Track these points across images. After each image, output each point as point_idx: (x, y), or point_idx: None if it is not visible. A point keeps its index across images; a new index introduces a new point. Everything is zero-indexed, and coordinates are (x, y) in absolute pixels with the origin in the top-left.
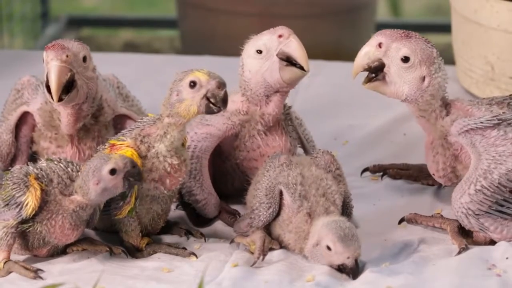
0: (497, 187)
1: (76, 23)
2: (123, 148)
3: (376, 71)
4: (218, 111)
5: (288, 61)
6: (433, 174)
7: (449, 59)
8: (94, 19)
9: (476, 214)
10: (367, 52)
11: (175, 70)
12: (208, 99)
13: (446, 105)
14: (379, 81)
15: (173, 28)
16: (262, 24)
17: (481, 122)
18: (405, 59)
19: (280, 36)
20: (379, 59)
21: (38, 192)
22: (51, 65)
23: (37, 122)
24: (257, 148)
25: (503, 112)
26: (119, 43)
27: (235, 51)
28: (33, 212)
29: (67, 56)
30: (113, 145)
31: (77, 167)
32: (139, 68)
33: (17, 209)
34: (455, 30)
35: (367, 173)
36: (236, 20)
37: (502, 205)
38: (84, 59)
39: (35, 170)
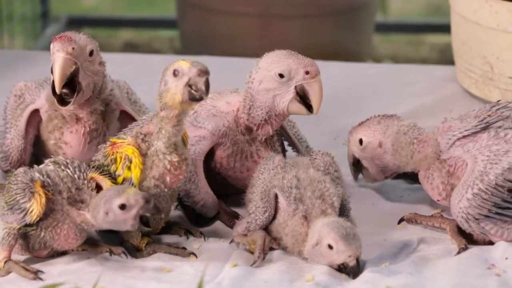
0: (494, 188)
1: (76, 23)
2: (124, 146)
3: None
4: (201, 99)
5: (302, 96)
6: (438, 201)
7: (449, 59)
8: (94, 19)
9: (476, 219)
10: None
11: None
12: (190, 86)
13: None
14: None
15: (173, 28)
16: (262, 24)
17: (467, 130)
18: (360, 142)
19: (307, 72)
20: (352, 155)
21: (43, 200)
22: (56, 56)
23: (46, 110)
24: (246, 171)
25: (488, 116)
26: (119, 43)
27: (235, 51)
28: (37, 219)
29: (73, 48)
30: (114, 143)
31: (84, 174)
32: (139, 68)
33: (21, 215)
34: (454, 30)
35: None
36: (236, 20)
37: (501, 207)
38: (91, 53)
39: (41, 177)
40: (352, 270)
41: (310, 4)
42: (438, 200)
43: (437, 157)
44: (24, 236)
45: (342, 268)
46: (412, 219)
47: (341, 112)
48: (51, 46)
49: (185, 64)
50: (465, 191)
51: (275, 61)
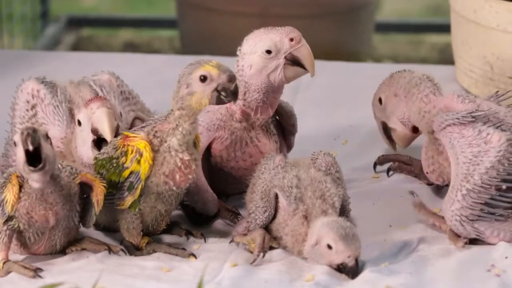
0: (481, 186)
1: (76, 23)
2: (136, 140)
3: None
4: (229, 102)
5: (294, 62)
6: (426, 173)
7: (449, 59)
8: (94, 19)
9: (470, 220)
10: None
11: (175, 70)
12: (218, 91)
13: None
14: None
15: (173, 28)
16: (262, 24)
17: (457, 119)
18: (380, 102)
19: (291, 39)
20: (381, 122)
21: (16, 188)
22: (101, 111)
23: (58, 146)
24: (249, 158)
25: (476, 110)
26: (119, 43)
27: (235, 51)
28: (14, 209)
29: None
30: (127, 136)
31: (72, 176)
32: (139, 68)
33: (1, 208)
34: (454, 30)
35: (366, 173)
36: (236, 20)
37: (492, 206)
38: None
39: None
40: (351, 270)
41: (310, 4)
42: (427, 173)
43: (432, 131)
44: (19, 232)
45: (341, 268)
46: (417, 206)
47: (341, 112)
48: (84, 109)
49: (213, 70)
50: (454, 195)
51: (257, 40)
